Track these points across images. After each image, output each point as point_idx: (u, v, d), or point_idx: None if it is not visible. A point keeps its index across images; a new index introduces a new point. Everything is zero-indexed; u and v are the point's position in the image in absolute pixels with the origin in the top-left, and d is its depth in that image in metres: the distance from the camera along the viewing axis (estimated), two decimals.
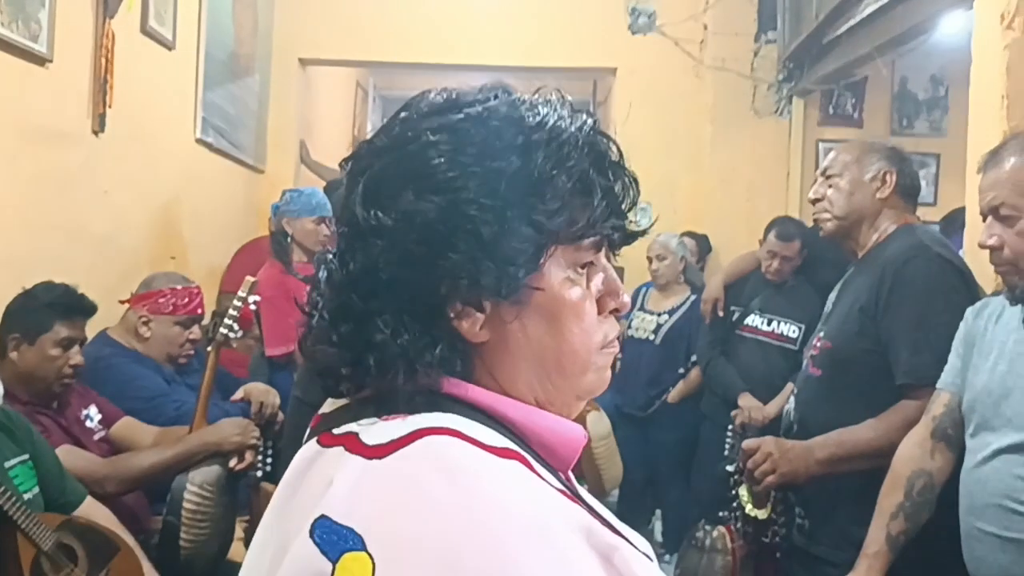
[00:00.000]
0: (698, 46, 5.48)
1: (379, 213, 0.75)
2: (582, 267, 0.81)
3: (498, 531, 0.64)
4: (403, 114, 0.81)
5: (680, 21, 5.44)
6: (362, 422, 0.74)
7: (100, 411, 2.62)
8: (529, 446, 0.77)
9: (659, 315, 4.49)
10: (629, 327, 4.54)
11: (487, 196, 0.74)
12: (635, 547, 0.77)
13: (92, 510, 2.24)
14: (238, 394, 2.91)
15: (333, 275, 0.79)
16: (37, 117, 2.93)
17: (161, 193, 3.97)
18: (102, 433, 2.60)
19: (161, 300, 2.92)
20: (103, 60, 3.26)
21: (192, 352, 3.00)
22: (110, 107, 3.32)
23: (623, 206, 0.81)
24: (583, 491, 0.90)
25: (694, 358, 4.37)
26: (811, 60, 4.99)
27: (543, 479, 0.73)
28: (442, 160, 0.75)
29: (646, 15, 5.52)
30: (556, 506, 0.70)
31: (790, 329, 3.79)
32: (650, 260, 4.49)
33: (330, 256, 0.80)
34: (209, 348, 2.70)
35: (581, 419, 3.32)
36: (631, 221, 0.83)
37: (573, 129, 0.79)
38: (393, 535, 0.64)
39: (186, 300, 2.96)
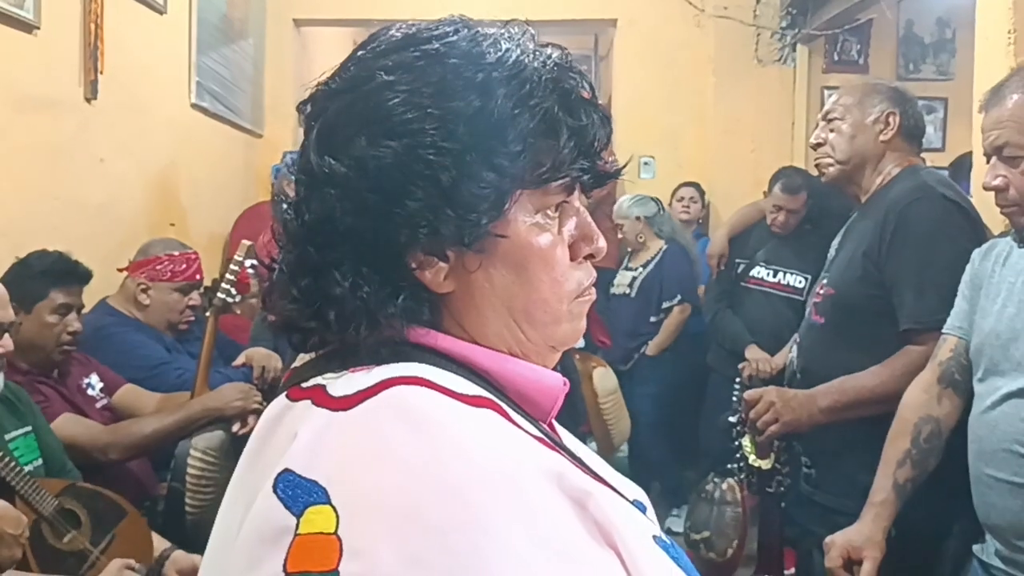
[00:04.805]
0: None
1: (332, 160, 0.72)
2: (553, 211, 0.77)
3: (461, 481, 0.62)
4: (359, 52, 0.77)
5: None
6: (329, 375, 0.72)
7: (101, 379, 2.61)
8: (506, 395, 0.75)
9: (635, 270, 4.52)
10: (612, 285, 4.54)
11: (445, 139, 0.70)
12: (622, 495, 0.75)
13: None
14: (240, 359, 2.90)
15: (289, 226, 0.76)
16: (27, 85, 2.89)
17: (158, 159, 3.93)
18: (104, 401, 2.60)
19: (159, 267, 2.91)
20: (92, 26, 3.21)
21: (192, 318, 2.99)
22: (102, 73, 3.27)
23: (594, 146, 0.77)
24: (575, 441, 0.87)
25: (666, 304, 4.37)
26: (814, 5, 4.91)
27: (519, 427, 0.71)
28: (397, 101, 0.71)
29: None
30: (526, 453, 0.68)
31: (796, 280, 3.76)
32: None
33: (285, 206, 0.76)
34: (208, 313, 2.68)
35: (587, 375, 3.29)
36: (604, 161, 0.78)
37: (536, 65, 0.75)
38: (357, 487, 0.62)
39: (184, 266, 2.95)
